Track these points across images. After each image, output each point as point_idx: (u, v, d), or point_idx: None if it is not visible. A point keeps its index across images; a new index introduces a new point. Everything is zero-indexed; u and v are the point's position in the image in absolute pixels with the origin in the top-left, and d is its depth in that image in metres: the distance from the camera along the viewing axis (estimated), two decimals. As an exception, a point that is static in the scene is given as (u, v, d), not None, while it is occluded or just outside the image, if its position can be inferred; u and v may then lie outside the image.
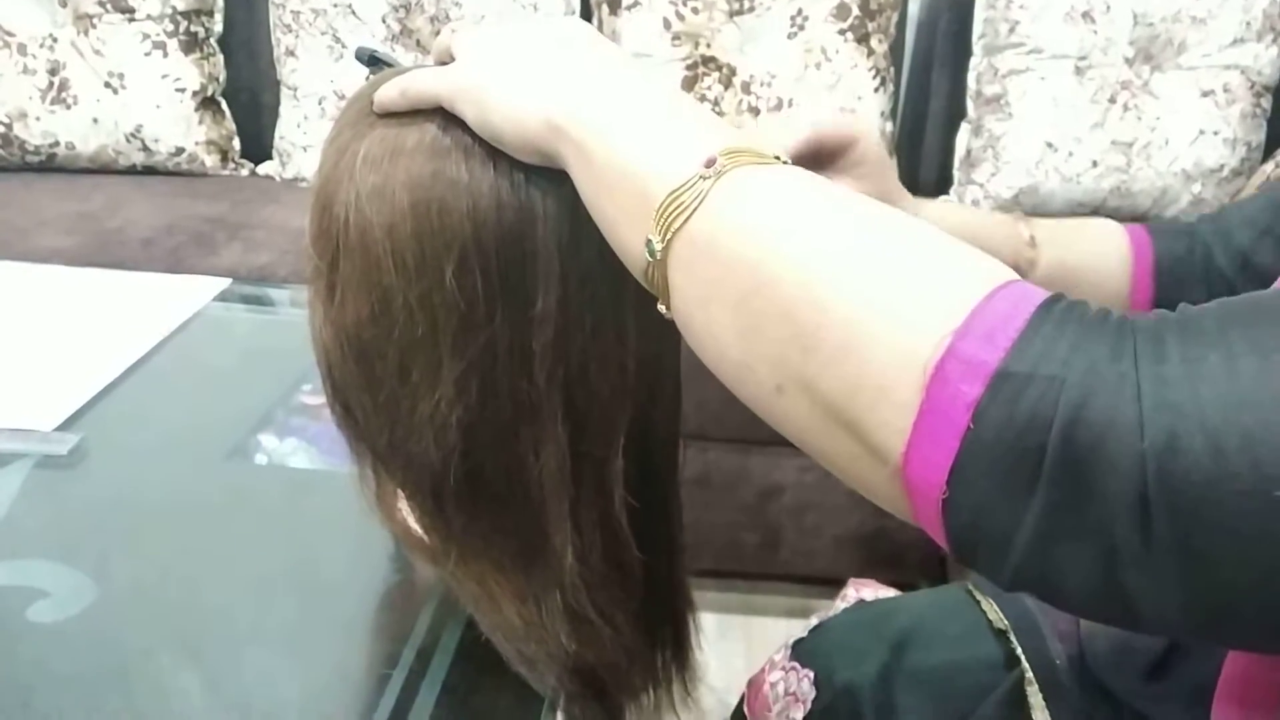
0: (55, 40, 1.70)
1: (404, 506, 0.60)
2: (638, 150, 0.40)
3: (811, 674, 0.68)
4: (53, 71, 1.70)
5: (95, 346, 0.89)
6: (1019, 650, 0.60)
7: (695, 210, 0.37)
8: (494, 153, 0.46)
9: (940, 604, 0.68)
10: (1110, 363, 0.29)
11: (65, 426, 0.77)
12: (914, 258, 0.34)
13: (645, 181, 0.39)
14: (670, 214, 0.38)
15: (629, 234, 0.40)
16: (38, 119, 1.70)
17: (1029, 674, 0.59)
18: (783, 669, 0.71)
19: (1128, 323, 0.31)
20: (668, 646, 0.63)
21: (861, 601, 0.75)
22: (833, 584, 1.60)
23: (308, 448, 0.78)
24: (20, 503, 0.69)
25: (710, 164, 0.38)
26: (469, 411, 0.50)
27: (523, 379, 0.50)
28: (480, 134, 0.46)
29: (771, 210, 0.37)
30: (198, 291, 1.02)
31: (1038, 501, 0.30)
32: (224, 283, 1.05)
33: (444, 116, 0.48)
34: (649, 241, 0.39)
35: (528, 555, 0.54)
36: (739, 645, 1.53)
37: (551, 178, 0.46)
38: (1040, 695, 0.58)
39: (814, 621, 0.75)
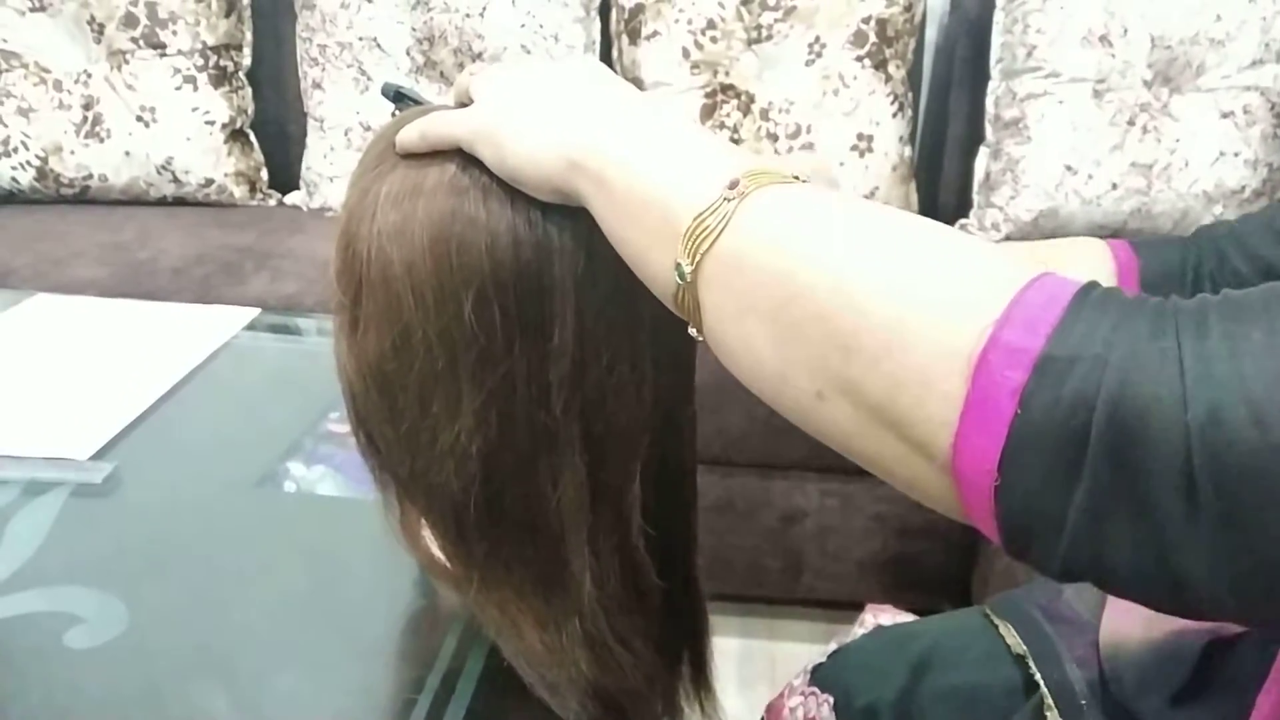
0: (89, 76, 1.74)
1: (427, 534, 0.61)
2: (659, 177, 0.41)
3: (831, 699, 0.68)
4: (87, 106, 1.73)
5: (128, 376, 0.91)
6: (1038, 676, 0.60)
7: (723, 230, 0.38)
8: (512, 191, 0.48)
9: (958, 628, 0.69)
10: (1151, 340, 0.30)
11: (99, 455, 0.79)
12: (947, 256, 0.35)
13: (669, 207, 0.40)
14: (698, 236, 0.39)
15: (656, 261, 0.41)
16: (72, 152, 1.73)
17: (1048, 699, 0.59)
18: (802, 694, 0.71)
19: (1167, 303, 0.31)
20: (687, 671, 0.64)
21: (880, 627, 0.76)
22: (856, 609, 1.60)
23: (335, 475, 0.79)
24: (56, 530, 0.70)
25: (733, 185, 0.39)
26: (488, 442, 0.51)
27: (540, 410, 0.50)
28: (498, 174, 0.47)
29: (799, 222, 0.37)
30: (227, 322, 1.04)
31: (1085, 481, 0.30)
32: (253, 312, 1.07)
33: (463, 157, 0.49)
34: (678, 265, 0.40)
35: (547, 582, 0.54)
36: (762, 670, 1.53)
37: (567, 214, 0.48)
38: None
39: (833, 647, 0.76)
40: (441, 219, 0.49)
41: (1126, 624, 0.60)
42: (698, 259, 0.39)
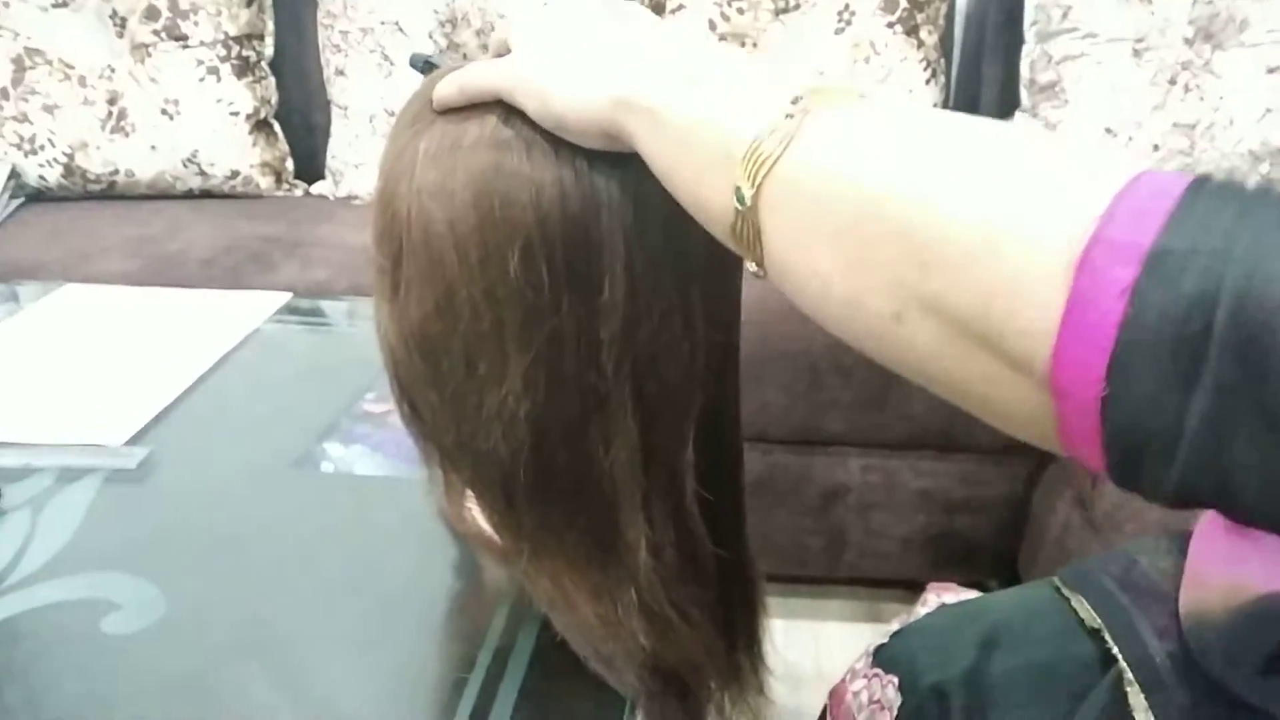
0: (113, 71, 1.73)
1: (473, 507, 0.60)
2: (714, 103, 0.39)
3: (896, 679, 0.66)
4: (111, 101, 1.73)
5: (161, 363, 0.90)
6: (1115, 649, 0.57)
7: (785, 150, 0.36)
8: (556, 142, 0.46)
9: (1027, 603, 0.66)
10: (1279, 229, 0.27)
11: (134, 441, 0.78)
12: (1036, 154, 0.32)
13: (726, 131, 0.38)
14: (758, 158, 0.37)
15: (712, 190, 0.39)
16: (98, 148, 1.73)
17: (1128, 674, 0.56)
18: (865, 677, 0.69)
19: None
20: (742, 643, 0.62)
21: (944, 605, 0.73)
22: (901, 586, 1.60)
23: (374, 454, 0.78)
24: (91, 517, 0.69)
25: (795, 103, 0.37)
26: (536, 405, 0.49)
27: (591, 370, 0.49)
28: (541, 123, 0.46)
29: (867, 135, 0.35)
30: (259, 306, 1.03)
31: (1206, 390, 0.27)
32: (284, 297, 1.06)
33: (504, 109, 0.47)
34: (737, 190, 0.37)
35: (601, 551, 0.53)
36: (807, 651, 1.50)
37: (615, 164, 0.46)
38: (1142, 696, 0.55)
39: (894, 627, 0.73)
40: (484, 174, 0.47)
41: (1208, 591, 0.57)
42: (758, 182, 0.37)
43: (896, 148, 0.34)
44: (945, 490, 1.42)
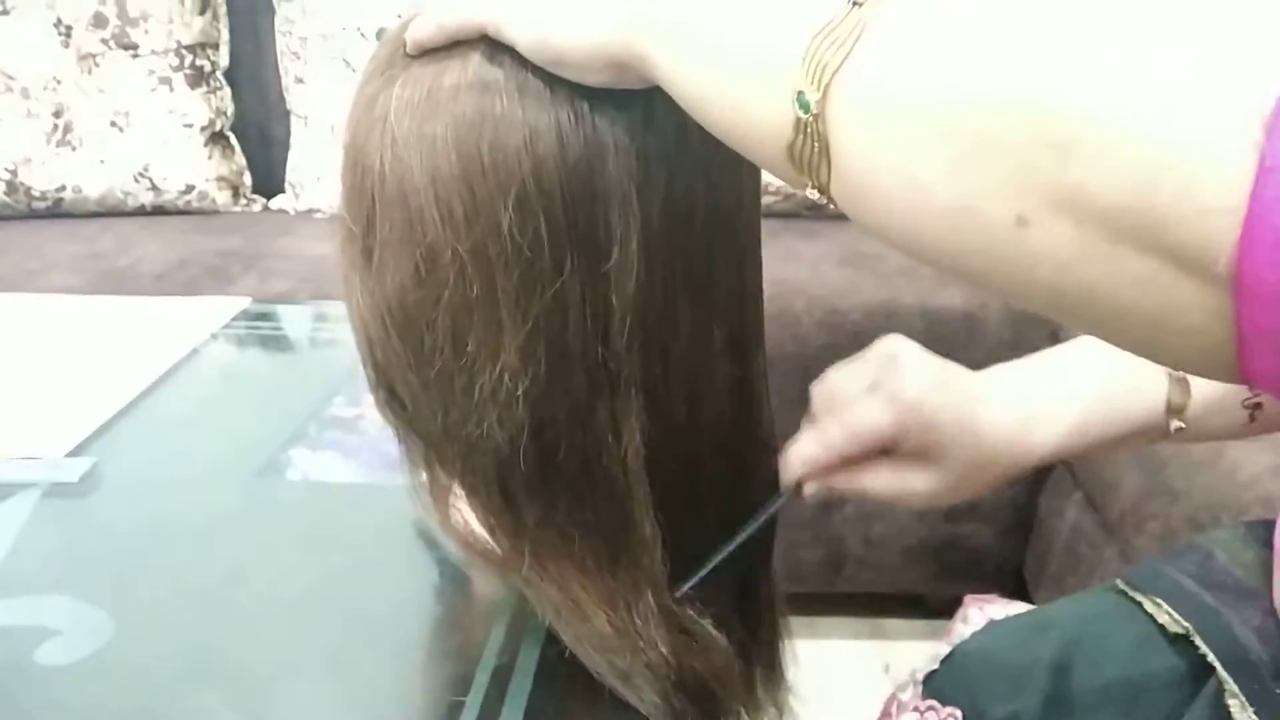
0: (59, 81, 1.65)
1: (464, 509, 0.53)
2: (758, 5, 0.33)
3: (957, 713, 0.58)
4: (57, 114, 1.65)
5: (107, 371, 0.82)
6: (1210, 656, 0.50)
7: (858, 41, 0.30)
8: (551, 81, 0.40)
9: (1095, 613, 0.58)
10: None
11: (76, 453, 0.70)
12: (1200, 3, 0.26)
13: (774, 31, 0.32)
14: (823, 55, 0.30)
15: (760, 106, 0.33)
16: (43, 163, 1.64)
17: (1229, 684, 0.49)
18: (916, 710, 0.61)
19: None
20: (761, 657, 0.55)
21: (993, 622, 0.65)
22: (901, 601, 1.54)
23: (346, 461, 0.70)
24: (27, 535, 0.61)
25: None
26: (536, 384, 0.43)
27: (598, 343, 0.43)
28: (534, 59, 0.40)
29: (967, 11, 0.29)
30: (214, 312, 0.95)
31: None
32: (242, 302, 0.98)
33: (488, 46, 0.42)
34: (799, 98, 0.31)
35: (614, 550, 0.46)
36: (806, 671, 1.43)
37: (620, 105, 0.41)
38: (1248, 709, 0.48)
39: (943, 650, 0.64)
40: (468, 119, 0.42)
41: None
42: (825, 83, 0.30)
43: (1008, 19, 0.28)
44: (946, 497, 1.36)
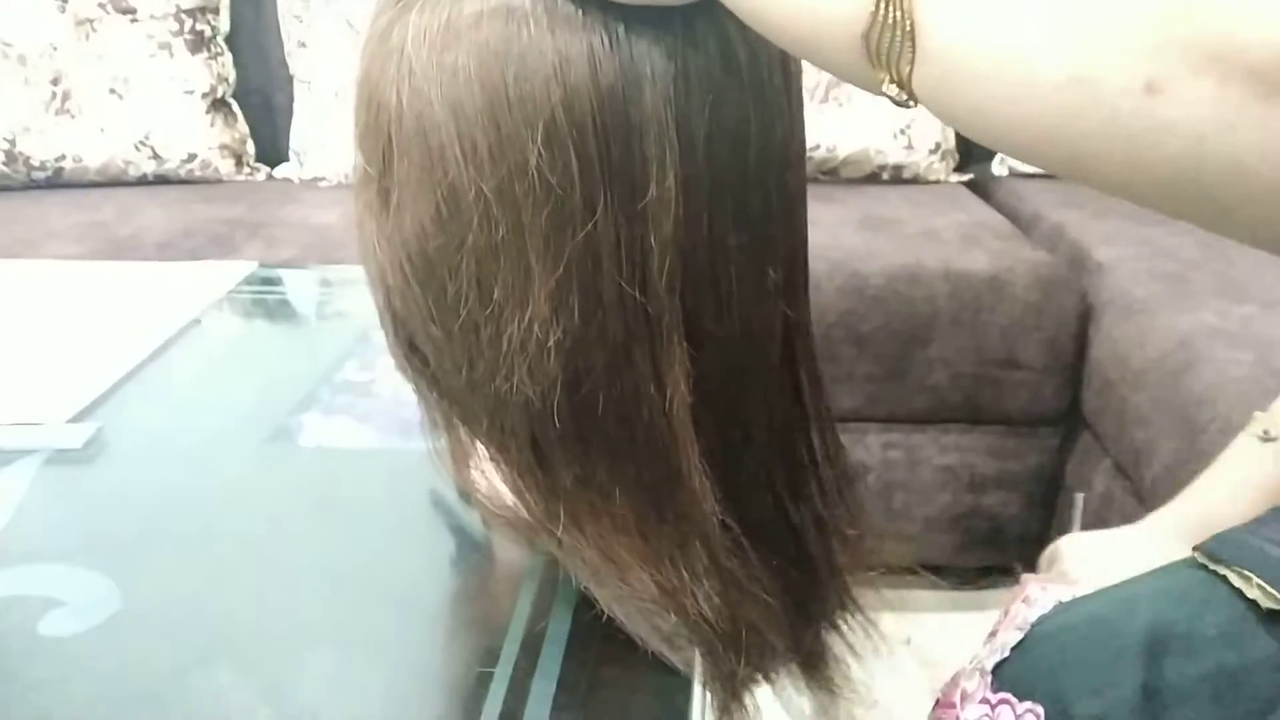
0: (56, 48, 1.61)
1: (489, 471, 0.50)
2: None
3: (1039, 710, 0.53)
4: (55, 81, 1.61)
5: (112, 337, 0.79)
6: None
7: None
8: (582, 2, 0.38)
9: (1180, 592, 0.53)
10: None
11: (79, 418, 0.67)
12: None
13: None
14: None
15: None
16: (42, 132, 1.61)
17: None
18: (985, 701, 0.55)
19: None
20: (819, 611, 0.52)
21: (1062, 604, 0.60)
22: (926, 571, 1.50)
23: (360, 426, 0.67)
24: (29, 503, 0.58)
25: None
26: (570, 333, 0.40)
27: (635, 288, 0.40)
28: None
29: None
30: (221, 277, 0.92)
31: None
32: (249, 266, 0.95)
33: None
34: None
35: (659, 507, 0.44)
36: (824, 645, 1.41)
37: (659, 27, 0.38)
38: None
39: (1011, 636, 0.59)
40: (493, 47, 0.39)
41: None
42: None
43: None
44: (971, 466, 1.34)
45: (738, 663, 0.44)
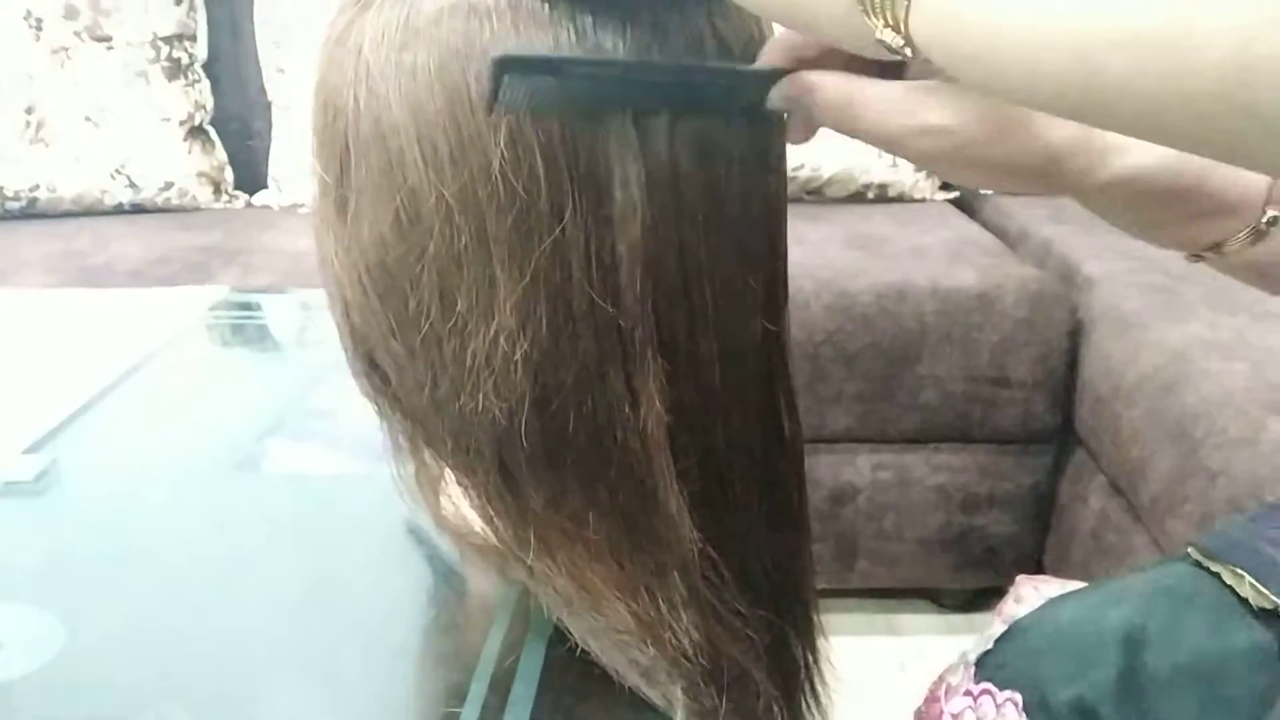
0: (30, 76, 1.59)
1: (456, 496, 0.48)
2: None
3: (1017, 697, 0.52)
4: (29, 110, 1.59)
5: (74, 365, 0.76)
6: None
7: None
8: None
9: (1167, 585, 0.52)
10: None
11: (33, 450, 0.64)
12: None
13: None
14: None
15: None
16: (16, 161, 1.58)
17: None
18: (968, 693, 0.54)
19: None
20: (798, 642, 0.50)
21: (1051, 599, 0.59)
22: (916, 595, 1.48)
23: (328, 452, 0.65)
24: (-24, 539, 0.55)
25: None
26: (537, 347, 0.38)
27: (605, 298, 0.38)
28: None
29: None
30: (189, 303, 0.89)
31: None
32: (220, 291, 0.93)
33: None
34: None
35: (634, 533, 0.41)
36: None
37: (625, 20, 0.36)
38: None
39: (997, 628, 0.58)
40: (453, 46, 0.37)
41: None
42: None
43: None
44: (963, 485, 1.31)
45: (720, 699, 0.41)
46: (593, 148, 0.36)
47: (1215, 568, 0.49)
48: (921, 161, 0.37)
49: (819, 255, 1.34)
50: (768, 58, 0.38)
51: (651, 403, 0.39)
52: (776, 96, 0.38)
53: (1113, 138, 0.38)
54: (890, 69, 0.35)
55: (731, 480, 0.43)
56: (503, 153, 0.36)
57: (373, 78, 0.37)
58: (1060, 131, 0.36)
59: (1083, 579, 0.94)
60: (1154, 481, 1.03)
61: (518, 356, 0.38)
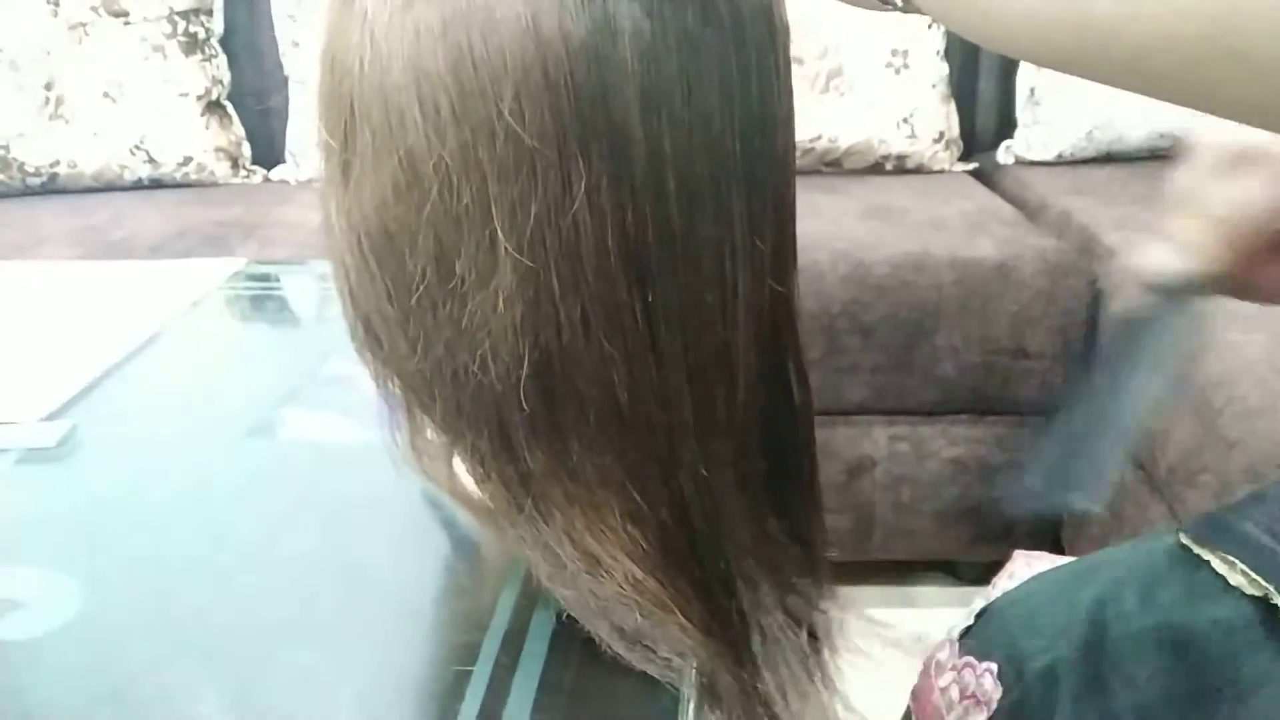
0: (49, 53, 1.59)
1: (452, 460, 0.48)
2: None
3: (994, 666, 0.53)
4: (48, 86, 1.60)
5: (94, 334, 0.77)
6: None
7: None
8: None
9: (1148, 561, 0.53)
10: None
11: (54, 416, 0.65)
12: None
13: None
14: None
15: None
16: (36, 138, 1.59)
17: None
18: (953, 669, 0.56)
19: None
20: (811, 616, 0.50)
21: (1037, 574, 0.60)
22: (934, 568, 1.48)
23: (345, 419, 0.65)
24: (-2, 504, 0.56)
25: None
26: (538, 308, 0.38)
27: (610, 259, 0.38)
28: None
29: None
30: (208, 273, 0.90)
31: None
32: (238, 262, 0.93)
33: None
34: None
35: (640, 495, 0.41)
36: (834, 643, 1.38)
37: None
38: None
39: (979, 605, 0.60)
40: (458, 5, 0.37)
41: None
42: None
43: None
44: (980, 458, 1.31)
45: (727, 670, 0.41)
46: (603, 103, 0.36)
47: (1205, 554, 0.49)
48: None
49: (835, 226, 1.33)
50: None
51: (660, 364, 0.39)
52: None
53: None
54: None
55: (739, 446, 0.43)
56: (506, 112, 0.35)
57: (376, 40, 0.37)
58: None
59: (1098, 549, 0.94)
60: (1172, 452, 1.02)
61: (517, 319, 0.38)
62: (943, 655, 0.60)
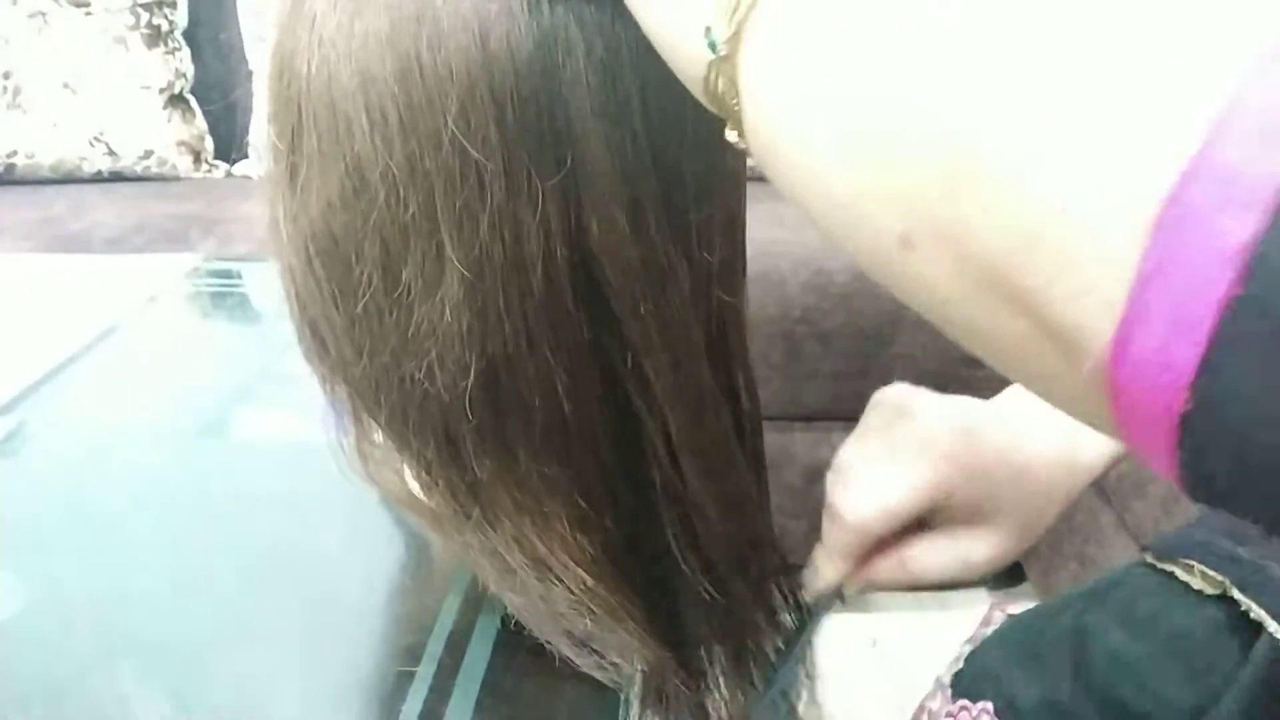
0: (6, 42, 1.57)
1: (398, 465, 0.48)
2: None
3: (990, 706, 0.53)
4: (6, 76, 1.57)
5: (44, 330, 0.76)
6: (1255, 611, 0.45)
7: None
8: None
9: (1119, 583, 0.54)
10: None
11: (3, 412, 0.64)
12: (1120, 27, 0.20)
13: None
14: None
15: (683, 28, 0.27)
16: (-8, 128, 1.57)
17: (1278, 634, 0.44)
18: (949, 715, 0.56)
19: None
20: (760, 622, 0.50)
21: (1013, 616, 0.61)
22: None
23: (297, 418, 0.65)
24: (-61, 500, 0.56)
25: None
26: (484, 318, 0.38)
27: (557, 269, 0.37)
28: None
29: None
30: (162, 270, 0.89)
31: None
32: (192, 259, 0.92)
33: None
34: (707, 32, 0.25)
35: (586, 502, 0.41)
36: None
37: None
38: None
39: (966, 650, 0.60)
40: (407, 12, 0.36)
41: None
42: (738, 21, 0.25)
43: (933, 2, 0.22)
44: (936, 465, 1.32)
45: (674, 674, 0.42)
46: (549, 120, 0.36)
47: (1168, 567, 0.50)
48: None
49: (795, 233, 1.34)
50: None
51: (606, 373, 0.39)
52: None
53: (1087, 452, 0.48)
54: None
55: (687, 454, 0.43)
56: (453, 123, 0.35)
57: (324, 44, 0.36)
58: (1046, 474, 0.39)
59: (1050, 556, 0.96)
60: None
61: (463, 329, 0.37)
62: (934, 704, 0.60)
